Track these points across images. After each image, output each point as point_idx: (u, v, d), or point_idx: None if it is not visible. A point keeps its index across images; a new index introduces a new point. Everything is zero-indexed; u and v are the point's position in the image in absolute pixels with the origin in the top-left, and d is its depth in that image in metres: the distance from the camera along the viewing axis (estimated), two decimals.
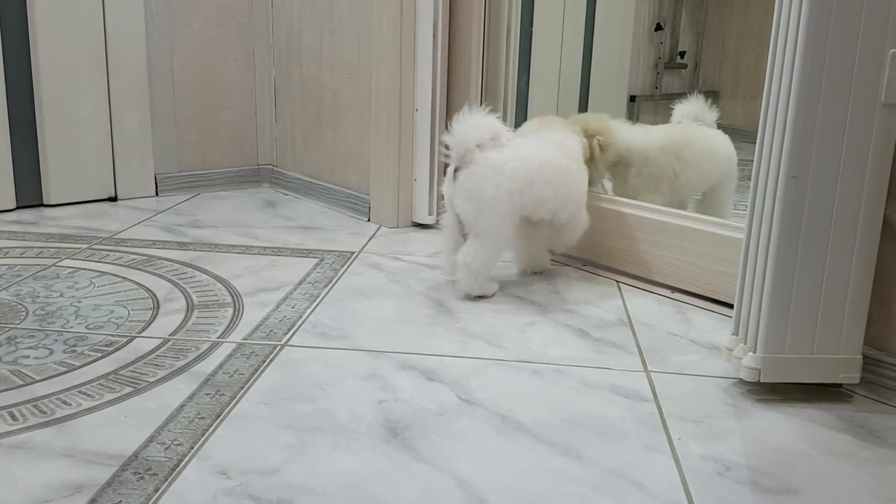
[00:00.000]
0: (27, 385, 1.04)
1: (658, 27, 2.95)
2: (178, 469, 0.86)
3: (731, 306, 1.34)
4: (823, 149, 0.96)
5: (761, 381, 1.03)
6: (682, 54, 3.05)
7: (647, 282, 1.50)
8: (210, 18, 2.15)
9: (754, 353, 1.03)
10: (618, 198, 1.62)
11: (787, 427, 0.99)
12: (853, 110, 0.94)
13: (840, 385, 1.08)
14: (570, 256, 1.63)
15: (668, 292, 1.45)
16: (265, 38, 2.21)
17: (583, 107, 2.51)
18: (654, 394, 1.06)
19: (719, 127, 1.88)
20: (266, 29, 2.20)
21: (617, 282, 1.52)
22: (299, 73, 2.12)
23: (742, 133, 3.20)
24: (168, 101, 2.12)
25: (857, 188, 0.97)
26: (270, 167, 2.29)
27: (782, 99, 0.96)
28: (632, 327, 1.29)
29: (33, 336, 1.20)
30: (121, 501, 0.80)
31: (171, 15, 2.08)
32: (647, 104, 2.97)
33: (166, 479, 0.84)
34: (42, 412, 0.97)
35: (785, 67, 0.95)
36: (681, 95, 3.19)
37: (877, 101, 0.94)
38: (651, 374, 1.12)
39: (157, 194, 2.14)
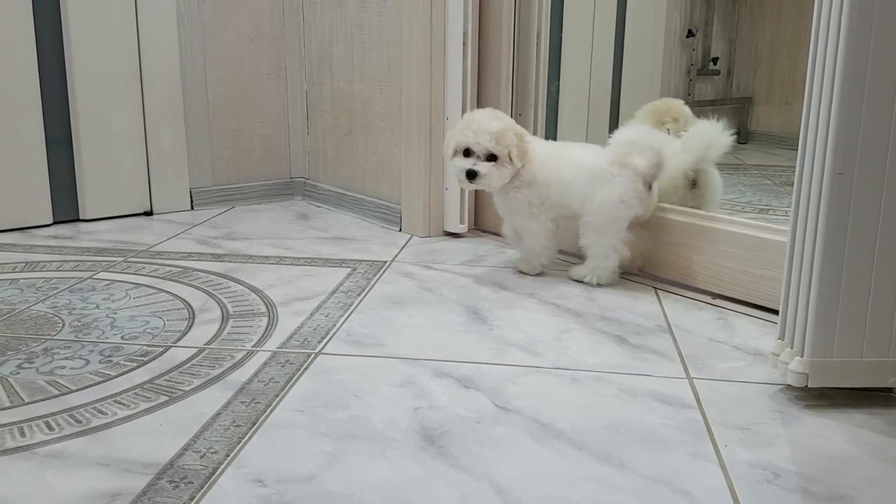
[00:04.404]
0: (63, 395, 1.04)
1: (690, 33, 2.91)
2: (213, 477, 0.85)
3: (774, 312, 1.31)
4: (869, 144, 0.92)
5: (809, 385, 1.00)
6: (715, 60, 3.01)
7: (687, 288, 1.47)
8: (242, 34, 2.17)
9: (801, 357, 1.00)
10: None
11: (836, 433, 0.95)
12: None
13: (891, 389, 1.04)
14: None
15: (708, 298, 1.42)
16: (297, 52, 2.22)
17: (614, 114, 2.49)
18: (698, 400, 1.03)
19: None
20: (297, 43, 2.22)
21: (655, 288, 1.49)
22: (330, 85, 2.13)
23: (778, 139, 3.15)
24: (202, 115, 2.14)
25: None
26: (303, 179, 2.29)
27: (825, 94, 0.94)
28: (672, 334, 1.26)
29: (69, 347, 1.20)
30: None
31: (204, 31, 2.11)
32: None
33: (202, 488, 0.83)
34: (78, 421, 0.97)
35: (828, 61, 0.93)
36: (714, 102, 3.16)
37: None
38: (694, 380, 1.09)
39: (192, 208, 2.15)
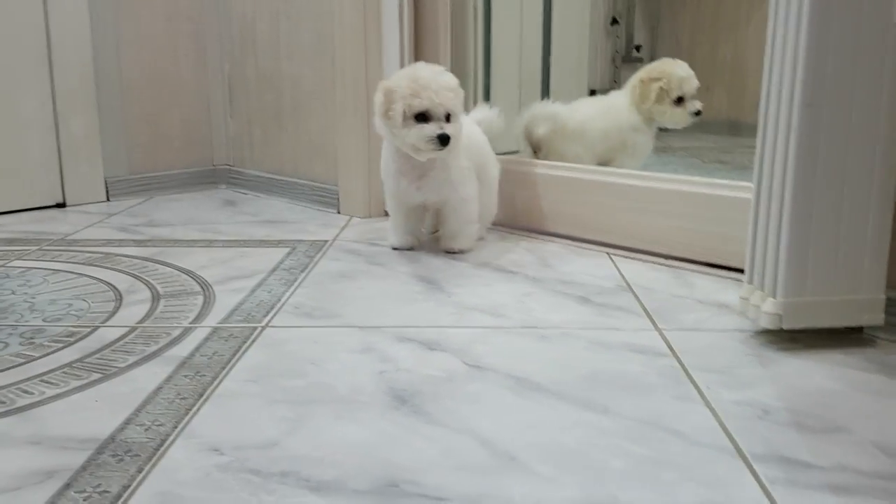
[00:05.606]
0: None
1: (614, 21, 2.94)
2: (162, 448, 0.76)
3: (729, 269, 1.30)
4: (838, 74, 0.91)
5: (784, 326, 0.97)
6: (639, 48, 3.04)
7: (637, 251, 1.44)
8: (158, 13, 2.04)
9: (774, 298, 0.98)
10: (598, 167, 1.57)
11: (816, 371, 0.93)
12: (866, 31, 0.90)
13: (861, 330, 1.03)
14: (553, 233, 1.57)
15: (661, 259, 1.39)
16: (217, 31, 2.11)
17: (545, 97, 2.46)
18: (671, 349, 0.99)
19: None
20: (217, 21, 2.10)
21: (608, 253, 1.45)
22: (255, 64, 2.02)
23: (699, 123, 3.20)
24: (116, 100, 2.01)
25: (874, 114, 0.92)
26: (227, 167, 2.18)
27: (791, 25, 0.92)
28: (633, 292, 1.23)
29: None
30: (100, 484, 0.69)
31: (118, 8, 1.98)
32: None
33: (150, 459, 0.74)
34: (1, 402, 0.85)
35: None
36: None
37: (890, 21, 0.90)
38: (664, 331, 1.06)
39: (107, 199, 2.01)
